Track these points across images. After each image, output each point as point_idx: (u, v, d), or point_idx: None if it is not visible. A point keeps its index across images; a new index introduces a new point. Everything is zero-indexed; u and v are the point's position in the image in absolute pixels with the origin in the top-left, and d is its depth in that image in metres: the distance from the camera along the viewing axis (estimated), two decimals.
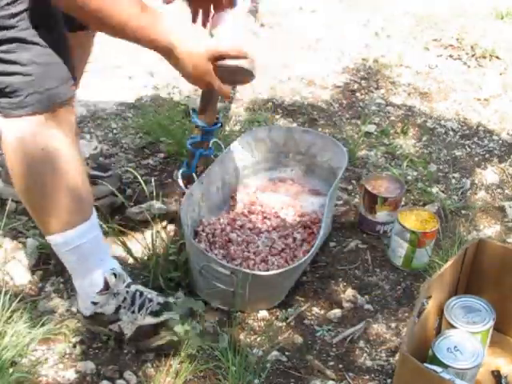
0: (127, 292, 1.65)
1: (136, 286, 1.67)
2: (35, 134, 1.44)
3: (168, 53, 1.45)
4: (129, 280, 1.67)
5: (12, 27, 1.36)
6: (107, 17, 1.36)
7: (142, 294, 1.66)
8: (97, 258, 1.61)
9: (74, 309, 1.74)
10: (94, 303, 1.63)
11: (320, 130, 2.48)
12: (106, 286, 1.62)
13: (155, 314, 1.65)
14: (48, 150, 1.46)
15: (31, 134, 1.44)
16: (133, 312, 1.64)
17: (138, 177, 1.95)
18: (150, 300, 1.66)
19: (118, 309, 1.64)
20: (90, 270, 1.60)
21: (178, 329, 1.63)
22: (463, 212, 2.18)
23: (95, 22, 1.41)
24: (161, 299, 1.68)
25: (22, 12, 1.36)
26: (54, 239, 1.56)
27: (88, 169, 2.05)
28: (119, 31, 1.39)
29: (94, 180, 2.03)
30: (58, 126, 1.46)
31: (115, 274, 1.63)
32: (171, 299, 1.70)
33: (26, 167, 1.47)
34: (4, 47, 1.37)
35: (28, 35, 1.38)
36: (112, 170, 2.11)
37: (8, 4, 1.34)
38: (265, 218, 1.97)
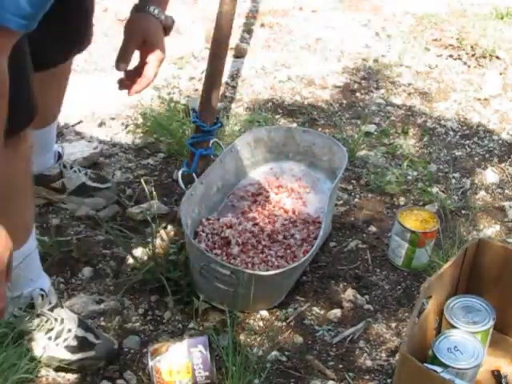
0: (50, 315, 1.61)
1: (59, 312, 1.63)
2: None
3: None
4: (55, 302, 1.63)
5: None
6: None
7: (62, 321, 1.62)
8: (27, 279, 1.57)
9: (74, 308, 1.74)
10: (15, 316, 1.59)
11: (320, 129, 2.47)
12: (31, 305, 1.59)
13: (71, 349, 1.61)
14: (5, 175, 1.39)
15: None
16: (49, 338, 1.61)
17: (142, 180, 1.95)
18: (69, 330, 1.62)
19: (35, 328, 1.61)
20: (18, 288, 1.56)
21: None
22: (463, 212, 2.18)
23: None
24: (80, 332, 1.63)
25: None
26: None
27: (87, 179, 2.05)
28: None
29: (92, 192, 2.03)
30: (22, 152, 1.42)
31: (43, 296, 1.60)
32: (91, 337, 1.63)
33: None
34: None
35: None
36: (110, 181, 2.11)
37: None
38: (265, 217, 1.97)
